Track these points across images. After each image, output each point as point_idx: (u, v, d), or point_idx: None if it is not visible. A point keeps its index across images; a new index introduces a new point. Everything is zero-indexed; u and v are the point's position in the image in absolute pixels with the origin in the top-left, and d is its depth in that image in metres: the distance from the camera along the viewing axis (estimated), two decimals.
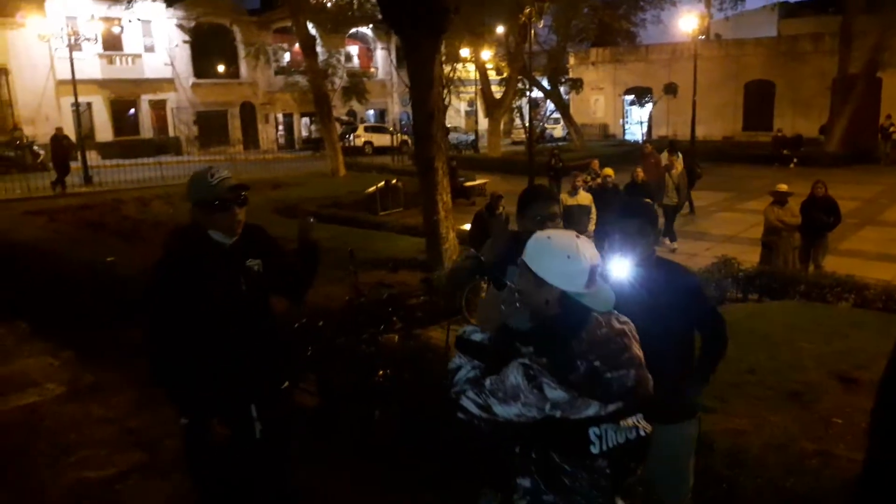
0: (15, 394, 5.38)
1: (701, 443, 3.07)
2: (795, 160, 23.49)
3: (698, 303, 2.85)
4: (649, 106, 38.06)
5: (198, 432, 2.69)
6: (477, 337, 2.08)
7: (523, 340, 1.98)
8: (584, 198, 9.33)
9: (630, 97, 39.03)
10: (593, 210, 9.27)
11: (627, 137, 38.01)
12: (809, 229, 9.07)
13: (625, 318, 2.06)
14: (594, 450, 1.91)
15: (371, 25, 32.35)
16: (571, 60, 39.19)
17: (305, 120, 39.53)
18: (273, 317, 2.96)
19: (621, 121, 39.92)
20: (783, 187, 9.25)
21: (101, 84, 31.52)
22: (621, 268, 2.67)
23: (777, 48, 33.80)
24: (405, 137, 29.90)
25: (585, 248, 1.97)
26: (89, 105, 30.94)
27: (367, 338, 4.63)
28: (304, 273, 3.00)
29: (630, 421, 1.96)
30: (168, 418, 4.79)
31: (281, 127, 39.59)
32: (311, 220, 3.04)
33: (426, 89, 8.13)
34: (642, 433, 1.98)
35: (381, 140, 34.44)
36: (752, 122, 33.85)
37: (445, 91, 15.02)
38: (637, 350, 2.00)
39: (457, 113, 39.10)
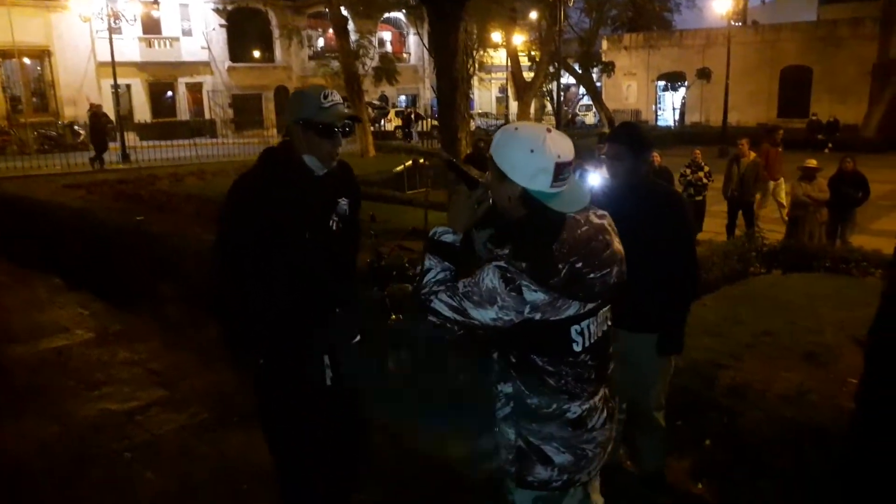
0: (45, 338, 5.61)
1: (700, 377, 3.12)
2: (830, 145, 23.04)
3: (676, 220, 2.97)
4: (682, 91, 37.54)
5: (270, 374, 2.60)
6: (448, 238, 1.94)
7: (498, 242, 1.89)
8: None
9: (663, 83, 38.54)
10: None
11: (660, 123, 37.55)
12: (837, 204, 8.93)
13: (602, 212, 1.95)
14: (577, 348, 1.87)
15: (404, 11, 32.40)
16: (604, 45, 38.84)
17: None
18: (354, 265, 2.81)
19: (654, 107, 39.45)
20: (812, 162, 9.13)
21: (140, 67, 32.16)
22: (594, 179, 2.86)
23: (814, 33, 33.11)
24: (435, 122, 30.02)
25: (555, 142, 1.80)
26: (128, 87, 31.56)
27: (379, 287, 4.74)
28: None
29: (604, 311, 1.96)
30: (189, 362, 5.02)
31: None
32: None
33: (450, 57, 8.16)
34: (610, 322, 2.01)
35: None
36: (788, 108, 33.21)
37: (470, 61, 14.92)
38: (618, 244, 1.91)
39: (484, 87, 38.97)
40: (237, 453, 3.68)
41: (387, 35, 41.88)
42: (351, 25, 25.56)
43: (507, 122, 36.07)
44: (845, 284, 6.97)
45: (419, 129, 32.90)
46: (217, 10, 33.99)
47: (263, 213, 2.40)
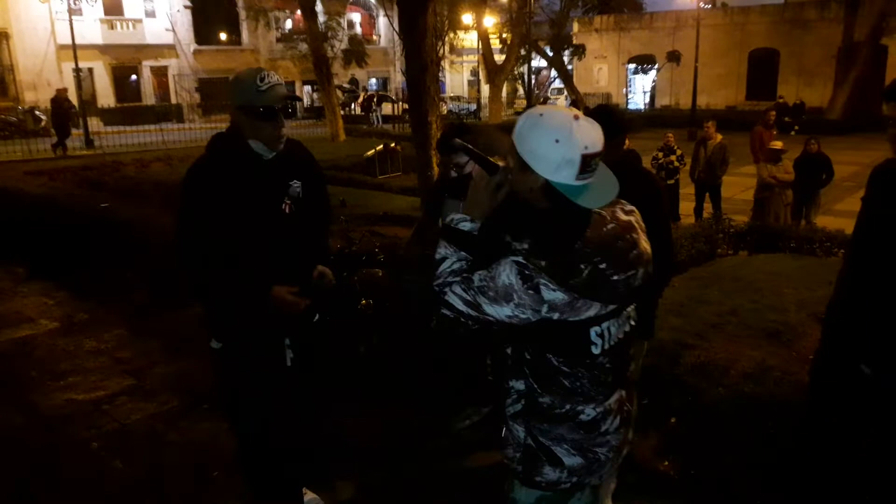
0: (9, 329, 5.51)
1: (665, 356, 3.17)
2: (797, 127, 23.38)
3: (650, 203, 2.93)
4: (653, 74, 37.81)
5: (230, 357, 2.64)
6: (465, 226, 1.81)
7: (516, 235, 1.74)
8: None
9: (633, 66, 38.75)
10: None
11: (631, 106, 37.79)
12: (802, 186, 9.09)
13: (630, 207, 1.85)
14: (595, 350, 1.76)
15: None
16: (575, 27, 38.88)
17: (307, 88, 39.33)
18: (320, 244, 2.86)
19: (624, 90, 39.66)
20: (777, 144, 9.26)
21: (102, 49, 31.46)
22: None
23: (782, 16, 33.55)
24: (406, 105, 29.88)
25: (583, 131, 1.66)
26: (90, 70, 30.89)
27: (348, 272, 4.73)
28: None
29: (628, 310, 1.85)
30: (157, 349, 4.97)
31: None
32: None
33: (419, 39, 8.08)
34: (633, 322, 1.89)
35: (383, 108, 34.30)
36: (756, 91, 33.65)
37: (440, 44, 14.80)
38: (645, 244, 1.81)
39: (456, 70, 38.84)
40: (207, 441, 3.66)
41: (356, 17, 41.46)
42: (319, 7, 25.21)
43: (478, 105, 36.03)
44: (810, 264, 7.11)
45: (383, 112, 32.64)
46: None
47: (215, 200, 2.44)
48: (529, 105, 21.17)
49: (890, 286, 2.27)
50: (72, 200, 9.32)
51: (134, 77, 33.77)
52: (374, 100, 33.56)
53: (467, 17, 27.41)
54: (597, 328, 1.74)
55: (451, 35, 26.60)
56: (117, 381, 4.47)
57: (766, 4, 35.38)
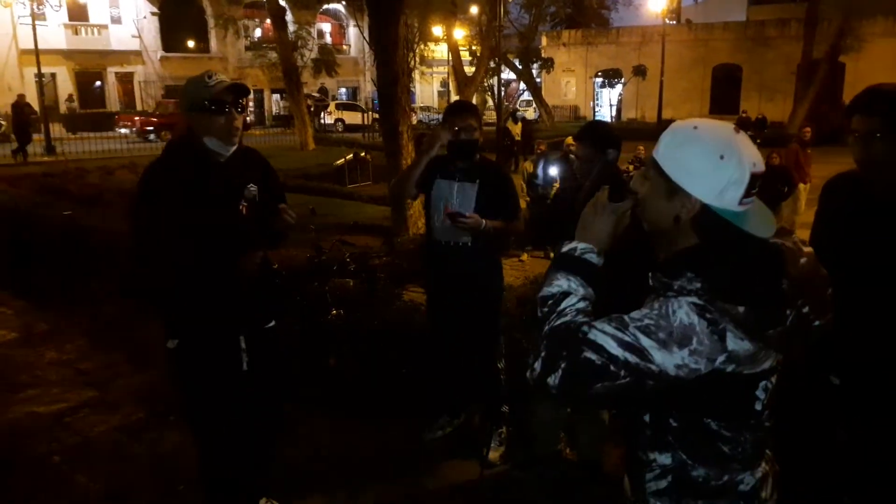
0: None
1: None
2: (759, 141, 23.90)
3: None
4: (619, 88, 38.42)
5: (186, 355, 2.65)
6: (592, 258, 1.49)
7: (670, 272, 1.41)
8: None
9: (601, 79, 39.37)
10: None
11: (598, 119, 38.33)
12: (764, 198, 9.24)
13: (795, 236, 1.49)
14: (759, 407, 1.48)
15: (343, 2, 32.12)
16: (543, 41, 39.36)
17: (276, 96, 39.14)
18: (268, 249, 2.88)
19: (592, 103, 40.23)
20: None
21: (66, 55, 30.95)
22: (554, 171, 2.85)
23: (744, 33, 34.44)
24: (377, 115, 29.87)
25: (747, 146, 1.39)
26: (53, 76, 30.34)
27: (319, 282, 4.69)
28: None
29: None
30: (122, 360, 4.87)
31: (251, 103, 39.17)
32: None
33: (391, 51, 8.11)
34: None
35: (353, 118, 34.25)
36: (719, 105, 34.44)
37: (411, 54, 14.88)
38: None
39: (426, 81, 39.19)
40: (173, 453, 3.59)
41: (326, 26, 41.45)
42: (289, 16, 25.18)
43: None
44: None
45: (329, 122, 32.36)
46: None
47: (170, 198, 2.49)
48: (500, 116, 21.23)
49: (847, 297, 2.33)
50: (33, 208, 9.10)
51: (98, 83, 33.25)
52: (312, 109, 33.67)
53: (438, 30, 27.56)
54: (765, 382, 1.45)
55: (422, 46, 26.69)
56: (79, 393, 4.36)
57: (729, 21, 36.28)
